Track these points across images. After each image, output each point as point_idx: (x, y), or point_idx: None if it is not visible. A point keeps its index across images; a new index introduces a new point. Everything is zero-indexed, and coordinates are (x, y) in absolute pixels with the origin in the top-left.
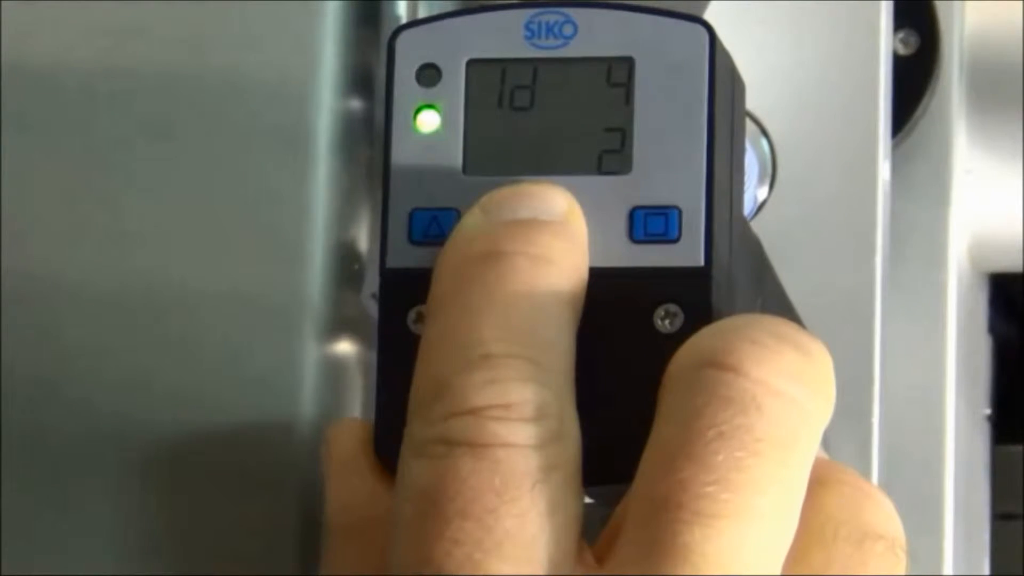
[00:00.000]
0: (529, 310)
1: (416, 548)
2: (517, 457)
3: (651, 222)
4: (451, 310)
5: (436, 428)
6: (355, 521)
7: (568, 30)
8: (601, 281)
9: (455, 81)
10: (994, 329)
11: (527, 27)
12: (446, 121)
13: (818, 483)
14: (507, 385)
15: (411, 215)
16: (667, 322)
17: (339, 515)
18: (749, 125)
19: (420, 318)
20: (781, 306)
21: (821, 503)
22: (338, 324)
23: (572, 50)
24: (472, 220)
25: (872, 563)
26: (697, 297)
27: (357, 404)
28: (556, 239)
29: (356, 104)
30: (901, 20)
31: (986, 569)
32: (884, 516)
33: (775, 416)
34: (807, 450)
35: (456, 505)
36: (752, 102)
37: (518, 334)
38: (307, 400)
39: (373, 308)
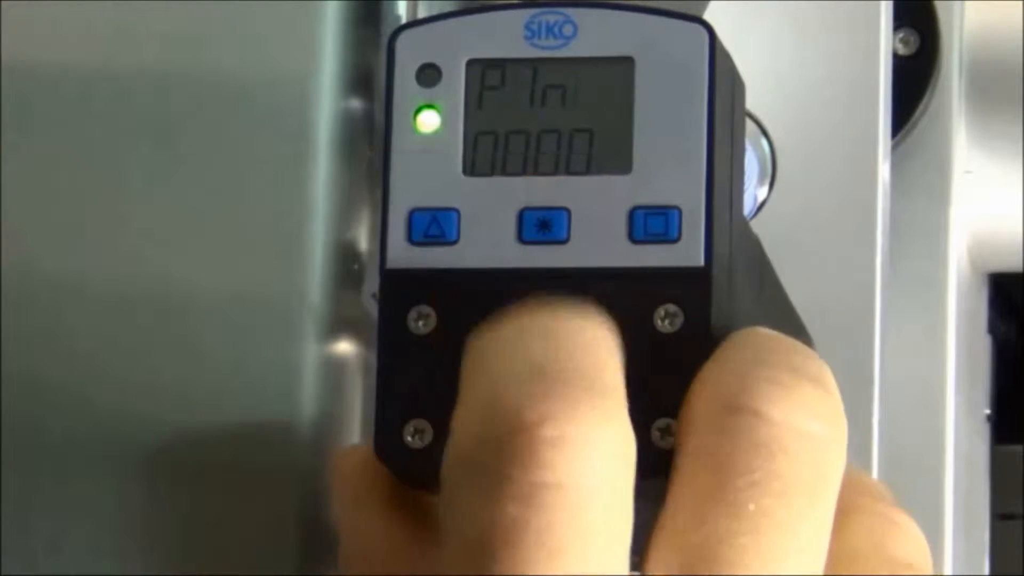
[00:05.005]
0: None
1: None
2: None
3: (651, 222)
4: None
5: None
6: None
7: (568, 30)
8: (601, 281)
9: (455, 81)
10: (994, 329)
11: (527, 27)
12: (446, 121)
13: (842, 514)
14: None
15: (411, 215)
16: (667, 322)
17: (358, 563)
18: (749, 125)
19: (421, 318)
20: (781, 306)
21: (845, 534)
22: (338, 324)
23: (572, 50)
24: None
25: None
26: (697, 297)
27: (357, 404)
28: None
29: (356, 104)
30: (901, 20)
31: (986, 569)
32: (910, 544)
33: (801, 458)
34: (833, 486)
35: None
36: (752, 102)
37: None
38: (307, 400)
39: (373, 308)
